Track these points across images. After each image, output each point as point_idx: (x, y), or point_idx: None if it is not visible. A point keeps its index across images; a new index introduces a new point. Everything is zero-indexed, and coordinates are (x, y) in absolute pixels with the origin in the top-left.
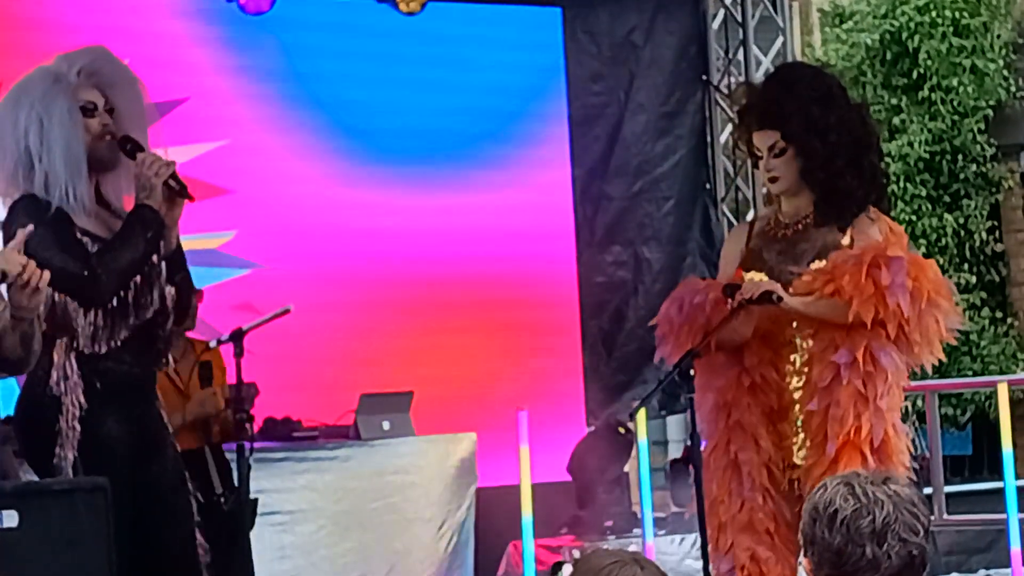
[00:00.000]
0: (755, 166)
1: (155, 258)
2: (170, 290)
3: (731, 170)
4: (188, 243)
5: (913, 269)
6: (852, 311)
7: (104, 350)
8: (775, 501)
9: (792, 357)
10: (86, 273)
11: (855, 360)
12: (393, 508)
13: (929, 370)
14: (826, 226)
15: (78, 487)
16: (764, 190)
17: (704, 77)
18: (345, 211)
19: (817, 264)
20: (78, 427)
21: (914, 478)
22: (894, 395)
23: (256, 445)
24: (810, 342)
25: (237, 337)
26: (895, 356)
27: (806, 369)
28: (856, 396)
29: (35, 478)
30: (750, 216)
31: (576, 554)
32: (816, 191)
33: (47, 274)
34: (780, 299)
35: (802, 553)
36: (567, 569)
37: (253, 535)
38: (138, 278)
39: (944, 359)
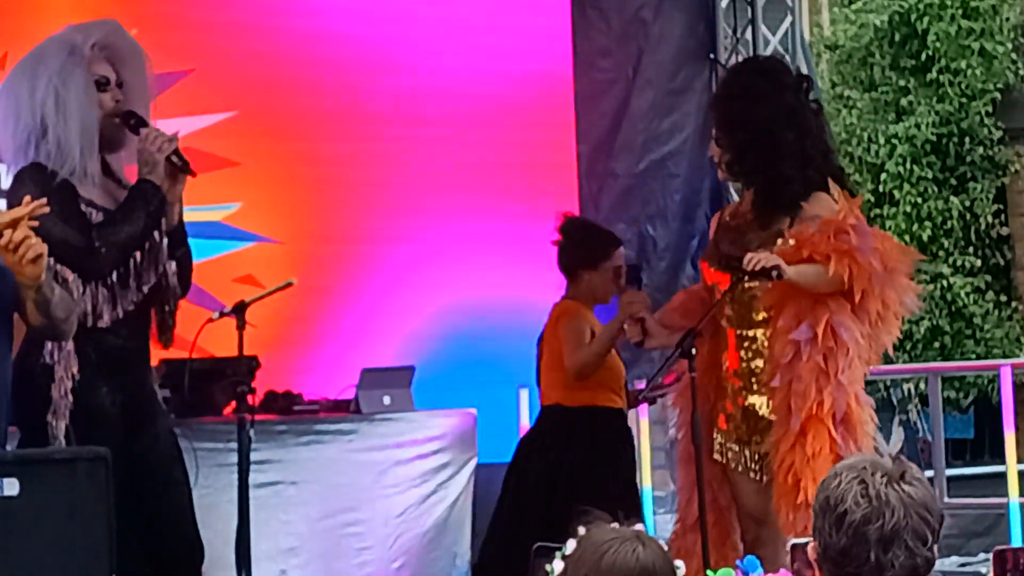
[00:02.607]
0: None
1: (156, 234)
2: (172, 266)
3: None
4: (192, 215)
5: (878, 236)
6: (831, 268)
7: (104, 324)
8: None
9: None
10: (86, 246)
11: (815, 335)
12: (393, 482)
13: (891, 352)
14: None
15: (79, 456)
16: None
17: (712, 56)
18: (352, 186)
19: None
20: (70, 397)
21: (879, 448)
22: (855, 368)
23: (256, 418)
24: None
25: (239, 309)
26: (856, 330)
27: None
28: (817, 371)
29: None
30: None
31: (581, 531)
32: (748, 183)
33: (41, 246)
34: (780, 275)
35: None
36: (570, 544)
37: (254, 506)
38: (138, 254)
39: (899, 336)
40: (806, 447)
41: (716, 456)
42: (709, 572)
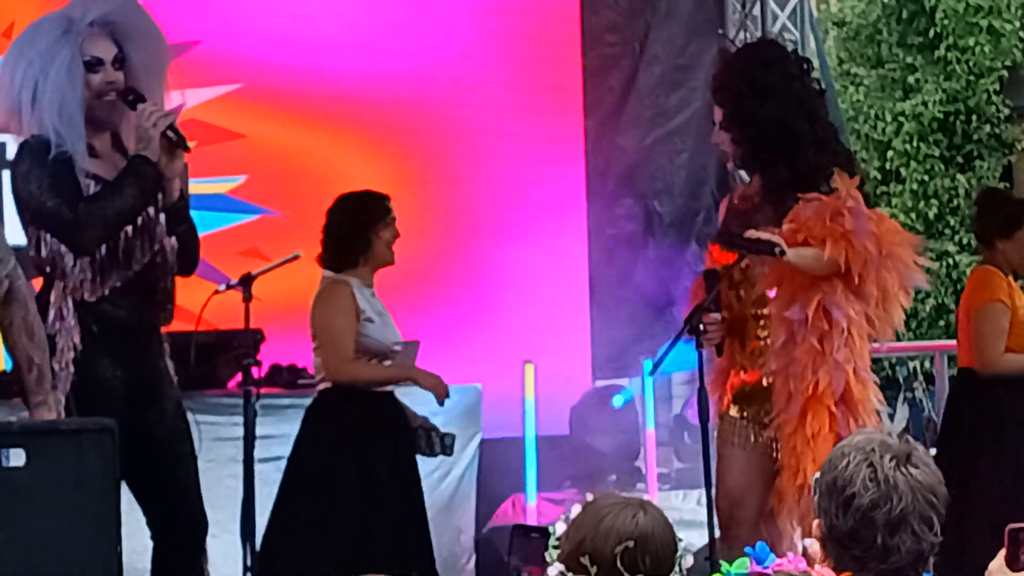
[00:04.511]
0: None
1: (151, 211)
2: (171, 242)
3: None
4: (197, 187)
5: (875, 218)
6: (827, 252)
7: (94, 298)
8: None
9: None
10: (72, 219)
11: (807, 317)
12: None
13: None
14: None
15: (85, 428)
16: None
17: (720, 31)
18: (358, 158)
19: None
20: (71, 368)
21: (884, 425)
22: (853, 345)
23: (261, 391)
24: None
25: (246, 282)
26: (850, 308)
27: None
28: (813, 352)
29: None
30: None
31: (589, 496)
32: (764, 178)
33: None
34: (783, 252)
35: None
36: (575, 508)
37: (258, 481)
38: (129, 229)
39: (902, 329)
40: (806, 428)
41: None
42: (723, 564)
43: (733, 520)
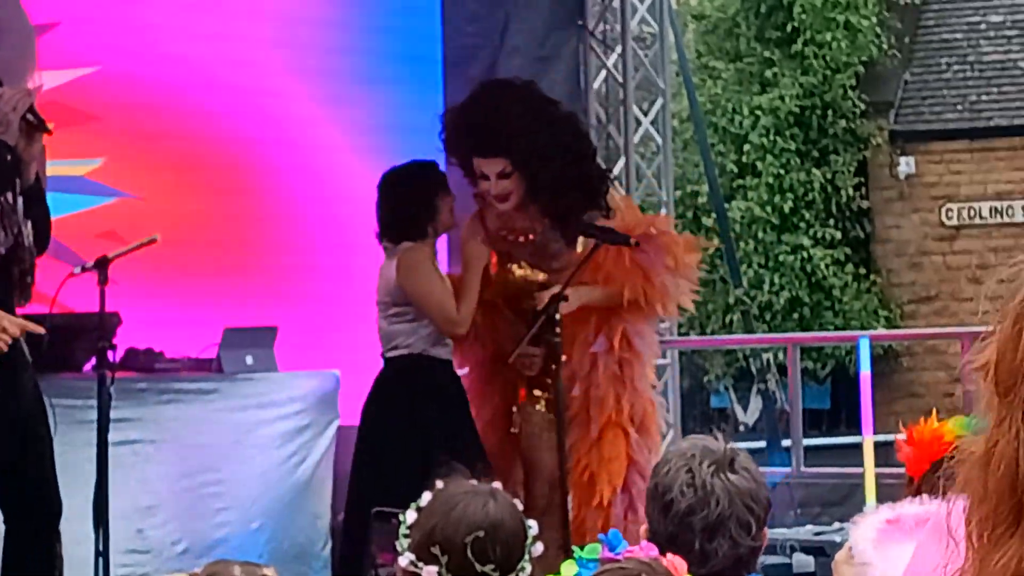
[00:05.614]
0: (474, 184)
1: (10, 195)
2: (27, 226)
3: (604, 117)
4: (54, 169)
5: (666, 243)
6: (626, 296)
7: None
8: None
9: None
10: None
11: (612, 346)
12: (254, 442)
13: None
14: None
15: None
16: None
17: (580, 22)
18: (217, 143)
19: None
20: None
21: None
22: (648, 373)
23: (117, 375)
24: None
25: (101, 265)
26: (649, 337)
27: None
28: (614, 379)
29: None
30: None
31: (439, 484)
32: (546, 208)
33: None
34: (567, 298)
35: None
36: (425, 496)
37: (113, 464)
38: None
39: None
40: (603, 450)
41: (513, 429)
42: (576, 549)
43: (552, 505)
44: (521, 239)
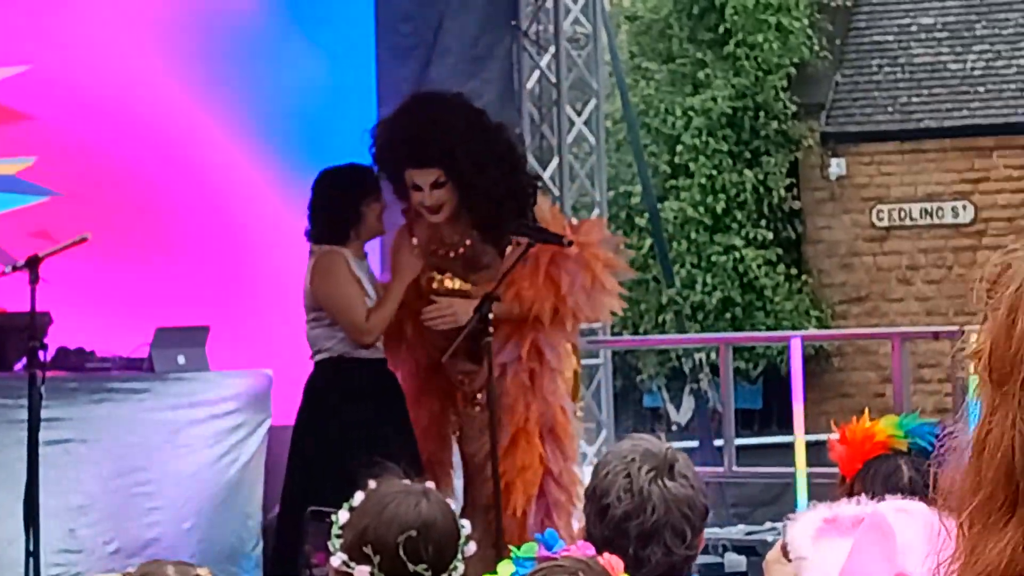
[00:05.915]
0: (403, 197)
1: None
2: None
3: (537, 117)
4: None
5: (586, 260)
6: (532, 313)
7: None
8: None
9: None
10: None
11: (520, 357)
12: (186, 442)
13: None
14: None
15: None
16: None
17: (513, 23)
18: (150, 142)
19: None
20: None
21: (583, 449)
22: (559, 382)
23: (48, 374)
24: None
25: (32, 264)
26: (560, 348)
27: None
28: (523, 388)
29: None
30: (436, 217)
31: (371, 484)
32: (478, 218)
33: None
34: (499, 298)
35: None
36: (358, 496)
37: (44, 464)
38: None
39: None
40: (516, 458)
41: (453, 432)
42: (513, 549)
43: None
44: (452, 254)
